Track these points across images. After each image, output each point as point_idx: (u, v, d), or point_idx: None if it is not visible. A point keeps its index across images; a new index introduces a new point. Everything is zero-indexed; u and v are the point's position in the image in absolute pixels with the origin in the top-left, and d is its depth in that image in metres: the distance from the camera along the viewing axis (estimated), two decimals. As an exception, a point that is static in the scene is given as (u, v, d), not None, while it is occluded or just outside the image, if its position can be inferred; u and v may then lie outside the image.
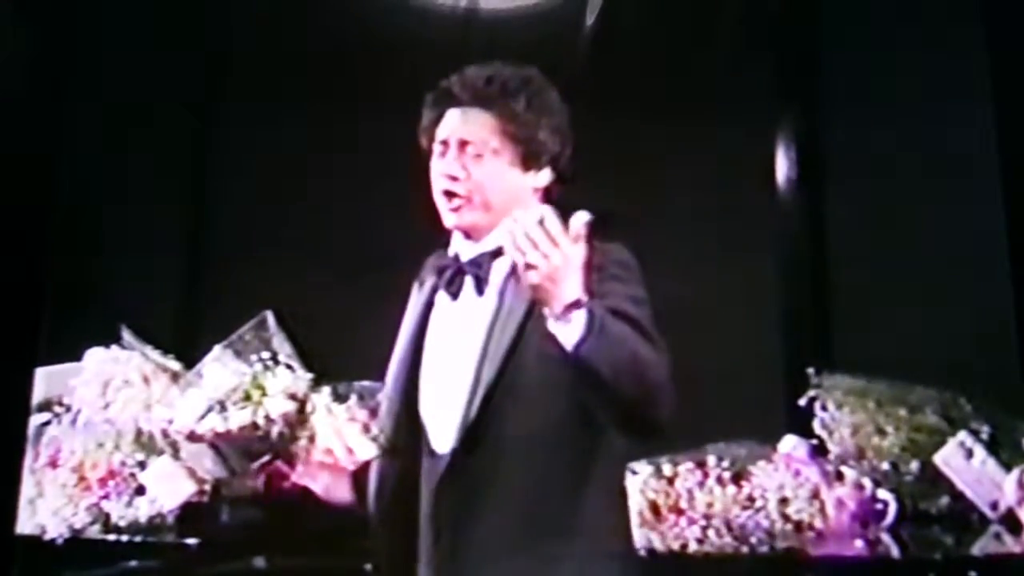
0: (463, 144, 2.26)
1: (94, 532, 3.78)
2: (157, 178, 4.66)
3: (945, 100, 4.08)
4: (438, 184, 2.29)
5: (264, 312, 4.25)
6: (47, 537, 3.74)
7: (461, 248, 2.31)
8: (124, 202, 4.56)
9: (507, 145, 2.25)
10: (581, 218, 1.97)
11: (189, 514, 3.83)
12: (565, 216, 2.15)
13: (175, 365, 4.17)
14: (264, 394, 3.90)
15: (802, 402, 3.80)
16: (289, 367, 4.02)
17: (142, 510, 3.81)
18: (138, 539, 3.75)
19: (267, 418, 3.86)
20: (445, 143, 2.28)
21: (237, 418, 3.85)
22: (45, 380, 3.90)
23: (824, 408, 3.77)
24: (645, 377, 2.00)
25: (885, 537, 3.59)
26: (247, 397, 3.89)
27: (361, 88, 4.57)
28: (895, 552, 3.54)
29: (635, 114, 4.28)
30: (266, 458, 3.87)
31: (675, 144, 4.28)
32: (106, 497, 3.83)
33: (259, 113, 4.69)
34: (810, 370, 3.84)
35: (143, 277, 4.49)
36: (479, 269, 2.25)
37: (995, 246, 3.51)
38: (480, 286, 2.25)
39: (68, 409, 4.05)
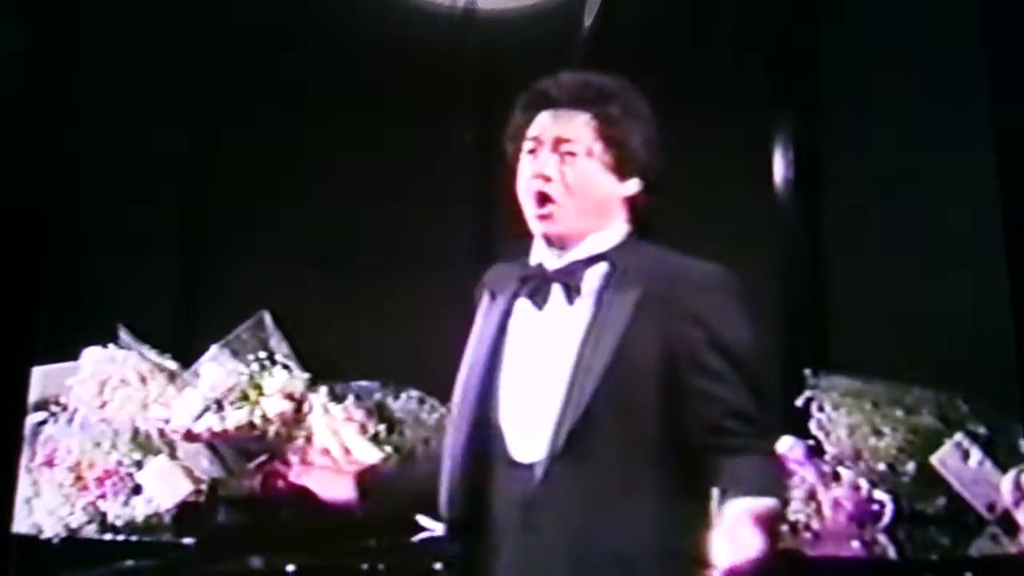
0: (558, 142, 2.19)
1: (91, 531, 3.80)
2: (155, 178, 4.66)
3: (944, 101, 4.07)
4: (528, 185, 2.21)
5: (261, 312, 4.26)
6: (44, 536, 3.75)
7: (545, 257, 2.23)
8: (122, 202, 4.56)
9: (603, 148, 2.18)
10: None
11: (186, 513, 3.85)
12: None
13: (172, 365, 4.18)
14: (261, 394, 3.91)
15: (799, 403, 3.79)
16: (286, 367, 4.04)
17: (139, 509, 3.82)
18: (135, 538, 3.77)
19: (264, 418, 3.87)
20: (537, 140, 2.21)
21: (234, 418, 3.86)
22: (42, 379, 3.90)
23: (821, 409, 3.76)
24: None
25: (882, 538, 3.59)
26: (244, 397, 3.90)
27: (360, 88, 4.57)
28: (892, 553, 3.54)
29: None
30: (263, 458, 3.89)
31: (673, 145, 4.26)
32: (103, 496, 3.85)
33: (259, 113, 4.69)
34: (807, 371, 3.84)
35: (140, 276, 4.48)
36: (571, 278, 2.17)
37: (993, 247, 3.49)
38: (571, 295, 2.17)
39: (65, 408, 4.07)
